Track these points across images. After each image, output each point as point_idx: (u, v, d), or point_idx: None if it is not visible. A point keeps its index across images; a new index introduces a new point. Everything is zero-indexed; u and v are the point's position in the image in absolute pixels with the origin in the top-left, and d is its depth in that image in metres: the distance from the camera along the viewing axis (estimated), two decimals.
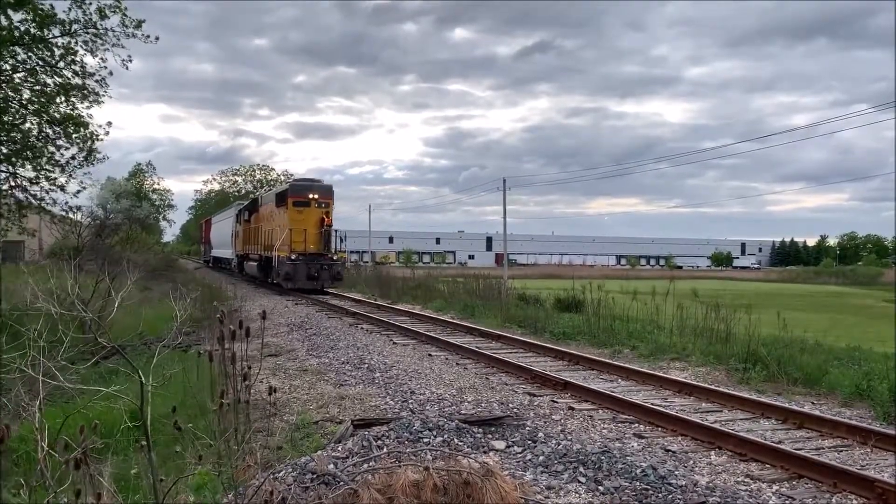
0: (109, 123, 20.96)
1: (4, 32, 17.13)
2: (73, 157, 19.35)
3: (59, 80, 18.50)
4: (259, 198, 33.61)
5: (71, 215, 24.16)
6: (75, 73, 18.48)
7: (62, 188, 19.61)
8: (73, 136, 19.01)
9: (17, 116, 18.46)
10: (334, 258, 25.66)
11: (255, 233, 32.00)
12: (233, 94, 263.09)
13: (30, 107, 18.49)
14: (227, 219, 42.97)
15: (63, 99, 18.46)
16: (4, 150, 18.32)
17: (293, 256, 24.54)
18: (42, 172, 18.89)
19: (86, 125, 18.98)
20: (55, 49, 18.11)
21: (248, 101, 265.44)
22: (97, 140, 19.42)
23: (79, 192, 22.36)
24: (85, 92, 18.64)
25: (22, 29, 17.54)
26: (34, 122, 18.80)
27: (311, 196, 25.46)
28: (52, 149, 18.97)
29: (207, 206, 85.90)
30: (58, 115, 18.54)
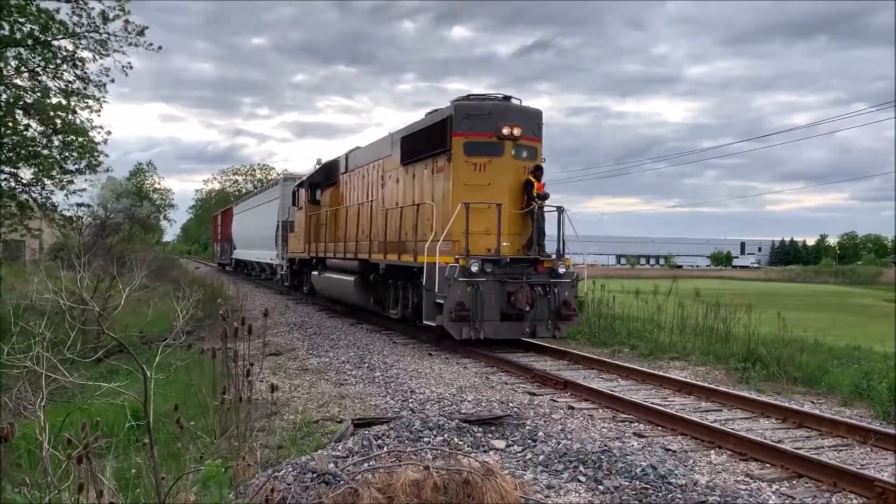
0: (109, 133, 20.91)
1: (6, 34, 17.15)
2: (78, 170, 19.36)
3: (61, 82, 18.52)
4: (345, 158, 18.90)
5: (76, 214, 23.98)
6: (77, 76, 18.49)
7: (68, 193, 19.65)
8: (75, 148, 18.99)
9: (20, 124, 18.46)
10: (559, 269, 12.27)
11: (334, 221, 18.53)
12: (232, 93, 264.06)
13: (33, 113, 18.47)
14: (265, 204, 30.23)
15: (65, 103, 18.44)
16: (6, 153, 18.32)
17: (474, 267, 11.55)
18: (42, 174, 18.90)
19: (85, 133, 18.95)
20: (57, 52, 18.12)
21: (248, 101, 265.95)
22: (96, 151, 19.40)
23: (81, 204, 22.01)
24: (87, 101, 18.63)
25: (25, 31, 17.55)
26: (37, 129, 18.78)
27: (505, 131, 12.29)
28: (54, 157, 18.98)
29: (208, 206, 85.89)
30: (59, 123, 18.50)
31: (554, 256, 12.52)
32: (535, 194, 12.39)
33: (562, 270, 12.28)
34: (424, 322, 12.26)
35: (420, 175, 13.69)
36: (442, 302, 11.56)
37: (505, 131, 12.29)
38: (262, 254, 30.05)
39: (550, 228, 12.74)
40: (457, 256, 11.74)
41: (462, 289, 11.53)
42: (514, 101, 12.85)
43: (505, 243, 12.12)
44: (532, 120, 12.86)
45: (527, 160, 12.67)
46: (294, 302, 22.93)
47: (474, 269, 11.56)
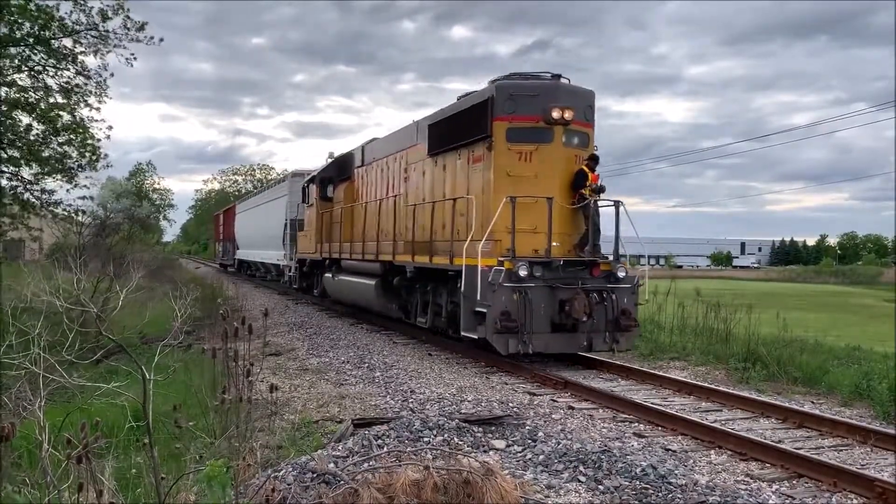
0: (110, 128, 20.91)
1: (6, 33, 17.19)
2: (79, 167, 19.36)
3: (61, 80, 18.53)
4: (360, 150, 17.56)
5: (78, 208, 23.83)
6: (78, 72, 18.51)
7: (69, 189, 19.63)
8: (76, 147, 18.99)
9: (20, 123, 18.46)
10: (618, 273, 10.94)
11: (350, 219, 16.95)
12: (232, 93, 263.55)
13: (32, 112, 18.45)
14: (272, 201, 28.98)
15: (66, 102, 18.46)
16: (8, 153, 18.34)
17: (522, 271, 10.18)
18: (45, 173, 18.91)
19: (86, 129, 18.95)
20: (58, 52, 18.13)
21: (248, 101, 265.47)
22: (99, 150, 19.39)
23: (84, 197, 21.74)
24: (86, 100, 18.65)
25: (24, 30, 17.58)
26: (39, 129, 18.77)
27: (555, 114, 10.73)
28: (56, 149, 18.99)
29: (207, 206, 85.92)
30: (60, 122, 18.50)
31: (611, 258, 11.16)
32: (587, 185, 10.86)
33: (621, 274, 10.82)
34: (463, 333, 10.74)
35: (452, 166, 12.12)
36: (484, 311, 10.01)
37: (555, 115, 10.64)
38: (269, 254, 28.63)
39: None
40: (500, 258, 10.29)
41: (508, 296, 9.96)
42: (566, 84, 11.19)
43: (554, 243, 10.58)
44: (584, 102, 11.25)
45: (578, 148, 11.10)
46: (294, 302, 22.93)
47: (522, 273, 10.07)
